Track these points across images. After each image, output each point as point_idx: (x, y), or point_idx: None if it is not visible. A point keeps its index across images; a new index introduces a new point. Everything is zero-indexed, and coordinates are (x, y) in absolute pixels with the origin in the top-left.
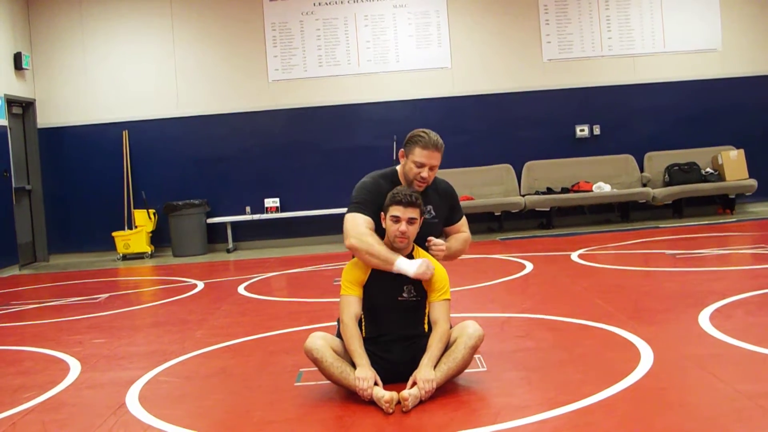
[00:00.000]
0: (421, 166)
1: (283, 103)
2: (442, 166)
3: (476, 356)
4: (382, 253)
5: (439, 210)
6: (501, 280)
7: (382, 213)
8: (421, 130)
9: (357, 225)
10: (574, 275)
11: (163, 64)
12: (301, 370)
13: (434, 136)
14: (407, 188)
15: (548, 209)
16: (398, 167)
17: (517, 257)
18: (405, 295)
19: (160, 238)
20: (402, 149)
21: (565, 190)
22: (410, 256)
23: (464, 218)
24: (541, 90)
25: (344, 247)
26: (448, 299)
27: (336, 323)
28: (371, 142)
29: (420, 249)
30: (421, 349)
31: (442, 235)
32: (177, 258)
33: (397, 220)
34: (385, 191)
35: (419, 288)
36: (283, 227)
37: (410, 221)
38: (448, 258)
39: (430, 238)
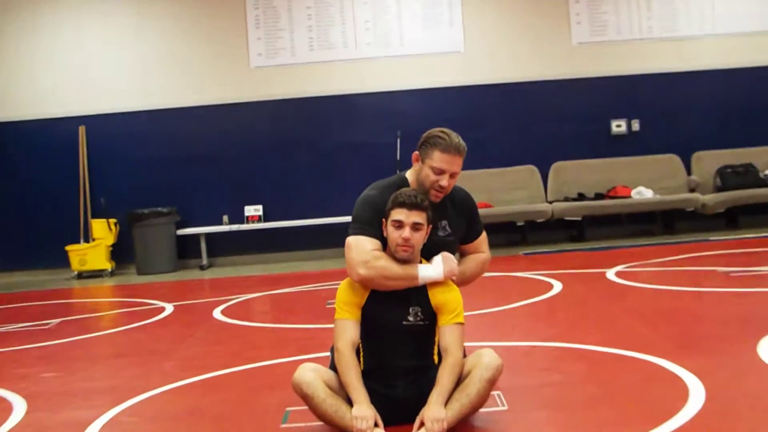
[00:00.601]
0: (440, 173)
1: (268, 94)
2: None
3: (494, 392)
4: (399, 271)
5: (456, 226)
6: (524, 302)
7: (383, 220)
8: (439, 130)
9: (363, 251)
10: (610, 296)
11: (126, 48)
12: (287, 408)
13: (456, 137)
14: (412, 189)
15: (580, 218)
16: (408, 173)
17: (543, 275)
18: (411, 318)
19: (121, 253)
20: (416, 152)
21: (599, 196)
22: None
23: (484, 235)
24: (571, 78)
25: (339, 264)
26: (462, 323)
27: (329, 353)
28: (371, 139)
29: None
30: (430, 384)
31: (457, 253)
32: (142, 276)
33: (399, 225)
34: None
35: (428, 310)
36: (267, 240)
37: (415, 227)
38: (461, 283)
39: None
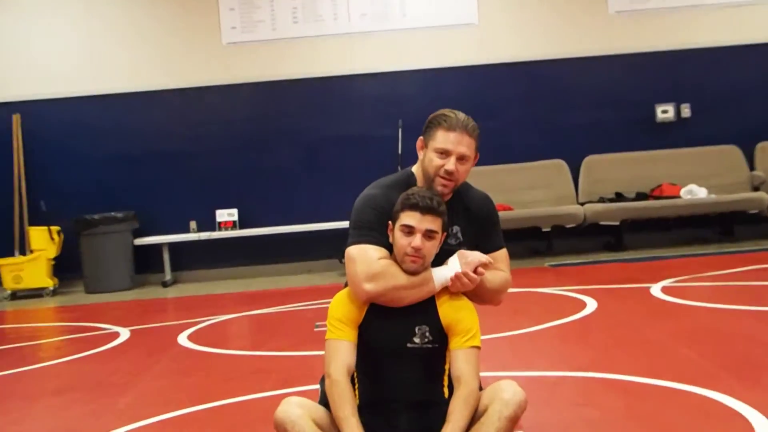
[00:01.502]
0: (445, 155)
1: (243, 76)
2: None
3: (516, 431)
4: (413, 279)
5: (470, 234)
6: (551, 323)
7: (390, 223)
8: (444, 109)
9: (368, 262)
10: (654, 317)
11: (73, 21)
12: None
13: (463, 115)
14: (426, 189)
15: (617, 223)
16: (415, 168)
17: (573, 291)
18: (417, 340)
19: (67, 268)
20: (420, 138)
21: (641, 197)
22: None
23: (505, 252)
24: (607, 55)
25: (331, 278)
26: (478, 347)
27: (319, 385)
28: (368, 130)
29: None
30: (439, 420)
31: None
32: (92, 295)
33: (409, 231)
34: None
35: (437, 329)
36: (244, 250)
37: (428, 235)
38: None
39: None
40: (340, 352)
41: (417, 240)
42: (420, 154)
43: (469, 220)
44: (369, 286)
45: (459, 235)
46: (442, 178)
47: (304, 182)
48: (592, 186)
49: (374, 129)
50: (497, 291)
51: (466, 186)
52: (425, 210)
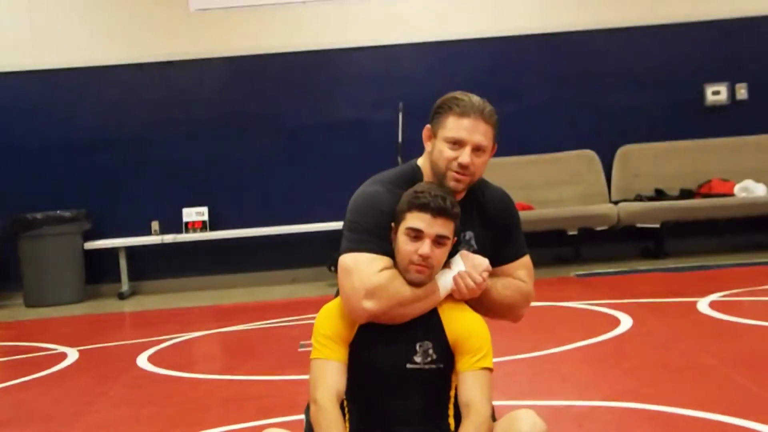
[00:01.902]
0: (458, 145)
1: (215, 49)
2: None
3: None
4: (417, 293)
5: (486, 241)
6: (579, 344)
7: (393, 225)
8: (455, 92)
9: (367, 275)
10: (702, 337)
11: None
12: None
13: (478, 99)
14: (436, 186)
15: (658, 226)
16: (421, 160)
17: (605, 306)
18: (418, 359)
19: (2, 276)
20: (427, 126)
21: (686, 194)
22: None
23: (528, 259)
24: (647, 26)
25: (319, 289)
26: (490, 369)
27: (304, 416)
28: (362, 114)
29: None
30: None
31: None
32: (32, 309)
33: (417, 236)
34: None
35: (442, 346)
36: (215, 256)
37: (438, 241)
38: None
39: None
40: (328, 374)
41: (426, 247)
42: (427, 146)
43: (485, 225)
44: (369, 305)
45: (472, 242)
46: (456, 172)
47: (288, 176)
48: (627, 182)
49: (371, 113)
50: (514, 304)
51: (481, 182)
52: (437, 212)
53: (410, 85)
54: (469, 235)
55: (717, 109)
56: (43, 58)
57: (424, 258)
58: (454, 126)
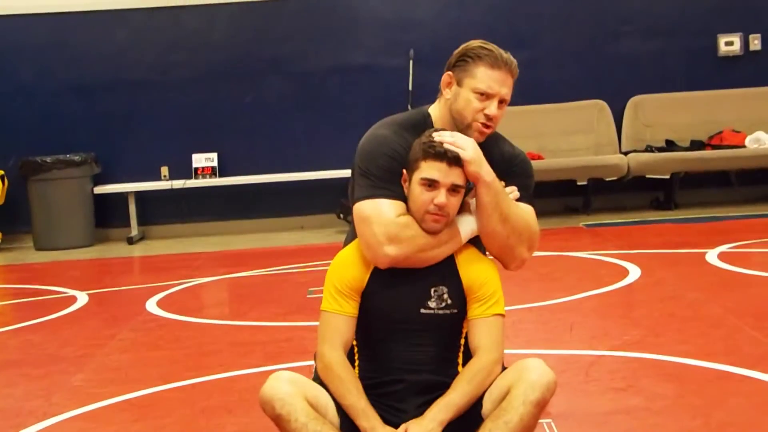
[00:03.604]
0: (487, 97)
1: None
2: None
3: (543, 420)
4: (441, 237)
5: None
6: (587, 293)
7: (404, 172)
8: (478, 41)
9: (386, 222)
10: (710, 288)
11: None
12: None
13: (503, 51)
14: (449, 131)
15: (668, 177)
16: (432, 108)
17: (614, 256)
18: (432, 304)
19: (11, 220)
20: (448, 73)
21: (697, 145)
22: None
23: (531, 209)
24: None
25: (327, 236)
26: (502, 315)
27: (314, 361)
28: (373, 60)
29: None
30: None
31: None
32: (42, 252)
33: (432, 185)
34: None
35: (457, 291)
36: (224, 202)
37: (454, 189)
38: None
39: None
40: (338, 328)
41: (441, 196)
42: (446, 92)
43: (497, 171)
44: (391, 250)
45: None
46: (482, 124)
47: (297, 122)
48: (638, 132)
49: (380, 59)
50: (521, 233)
51: (497, 137)
52: (452, 161)
53: (420, 32)
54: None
55: (730, 59)
56: (54, 1)
57: (440, 207)
58: (485, 77)
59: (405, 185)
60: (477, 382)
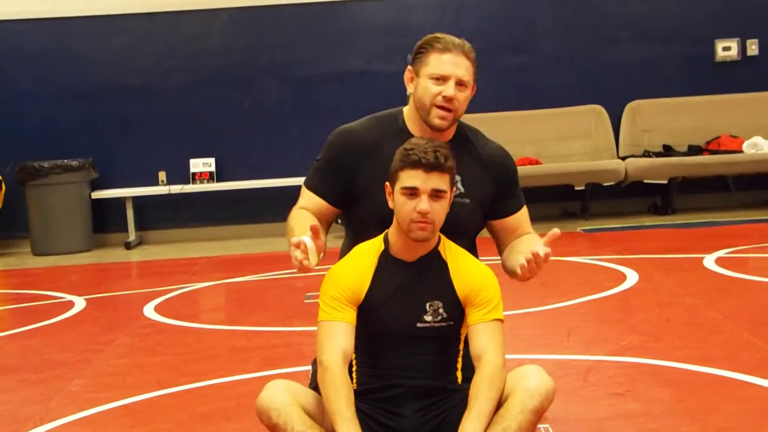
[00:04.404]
0: (441, 80)
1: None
2: (482, 108)
3: (542, 425)
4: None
5: (476, 186)
6: (585, 298)
7: (387, 185)
8: (432, 34)
9: (296, 216)
10: (708, 293)
11: None
12: None
13: (456, 38)
14: (426, 139)
15: (665, 182)
16: (406, 108)
17: (611, 261)
18: (428, 318)
19: (9, 225)
20: (409, 68)
21: (694, 150)
22: (434, 258)
23: (525, 209)
24: None
25: (329, 240)
26: (501, 320)
27: (311, 368)
28: (371, 66)
29: (451, 244)
30: (451, 411)
31: (477, 232)
32: (40, 258)
33: (413, 193)
34: (378, 140)
35: (452, 304)
36: (222, 207)
37: (435, 195)
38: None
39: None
40: (336, 337)
41: (423, 203)
42: (410, 87)
43: (479, 170)
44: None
45: (459, 185)
46: (440, 108)
47: (294, 127)
48: (635, 137)
49: (378, 65)
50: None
51: (475, 132)
52: (429, 167)
53: (419, 38)
54: (457, 178)
55: (727, 65)
56: (52, 6)
57: (423, 214)
58: (436, 62)
59: (390, 198)
60: (497, 386)
